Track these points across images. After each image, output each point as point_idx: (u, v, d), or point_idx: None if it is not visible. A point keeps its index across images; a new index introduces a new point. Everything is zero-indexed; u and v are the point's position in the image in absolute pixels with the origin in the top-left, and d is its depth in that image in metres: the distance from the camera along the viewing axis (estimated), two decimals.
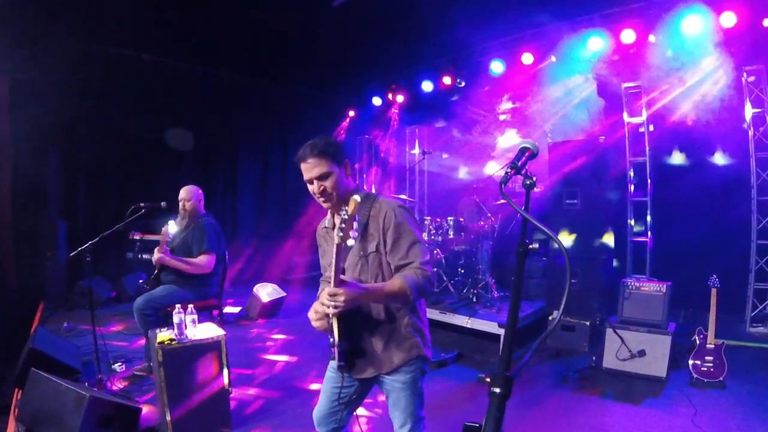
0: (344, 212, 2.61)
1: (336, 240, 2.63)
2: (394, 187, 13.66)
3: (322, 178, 3.10)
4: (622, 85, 9.02)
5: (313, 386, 6.34)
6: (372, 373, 3.24)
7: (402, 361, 3.20)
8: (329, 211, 3.34)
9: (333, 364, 3.28)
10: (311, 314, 3.13)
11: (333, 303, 2.77)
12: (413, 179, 13.76)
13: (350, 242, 2.65)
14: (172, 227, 6.51)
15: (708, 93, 8.34)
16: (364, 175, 15.05)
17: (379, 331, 3.19)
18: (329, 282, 2.83)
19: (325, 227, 3.46)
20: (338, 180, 3.14)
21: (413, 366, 3.23)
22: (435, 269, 8.98)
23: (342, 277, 2.80)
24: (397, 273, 3.12)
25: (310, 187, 3.16)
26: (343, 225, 2.60)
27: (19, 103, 9.24)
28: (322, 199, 3.16)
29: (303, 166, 3.12)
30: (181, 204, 6.61)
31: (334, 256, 2.71)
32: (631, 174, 9.02)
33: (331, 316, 2.97)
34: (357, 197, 2.64)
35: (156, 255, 6.25)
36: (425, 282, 3.04)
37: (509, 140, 11.34)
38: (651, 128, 8.93)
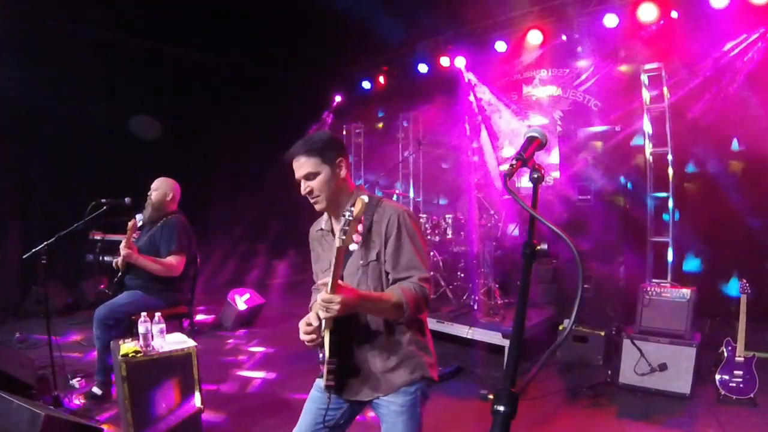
0: (349, 213, 2.61)
1: (337, 243, 2.62)
2: (385, 180, 13.66)
3: (308, 177, 3.15)
4: (641, 67, 9.01)
5: (295, 403, 6.32)
6: (368, 396, 3.20)
7: (403, 382, 3.16)
8: (325, 212, 3.35)
9: (320, 382, 3.23)
10: (302, 326, 3.11)
11: (326, 308, 2.74)
12: (407, 172, 13.74)
13: (353, 246, 2.68)
14: (140, 221, 6.48)
15: (737, 76, 8.34)
16: (352, 167, 15.05)
17: (378, 348, 3.17)
18: (324, 289, 2.79)
19: (321, 229, 3.46)
20: (326, 180, 3.16)
21: (414, 387, 3.19)
22: (432, 273, 8.97)
23: (339, 282, 2.76)
24: (394, 285, 3.10)
25: (301, 187, 3.21)
26: (347, 227, 2.60)
27: None
28: (311, 199, 3.20)
29: (294, 164, 3.19)
30: (149, 194, 6.58)
31: (333, 260, 2.68)
32: (651, 166, 9.00)
33: (323, 327, 2.96)
34: (365, 197, 2.65)
35: (123, 250, 6.17)
36: (423, 298, 3.04)
37: (516, 128, 11.36)
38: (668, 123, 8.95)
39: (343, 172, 3.25)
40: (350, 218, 2.60)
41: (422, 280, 3.07)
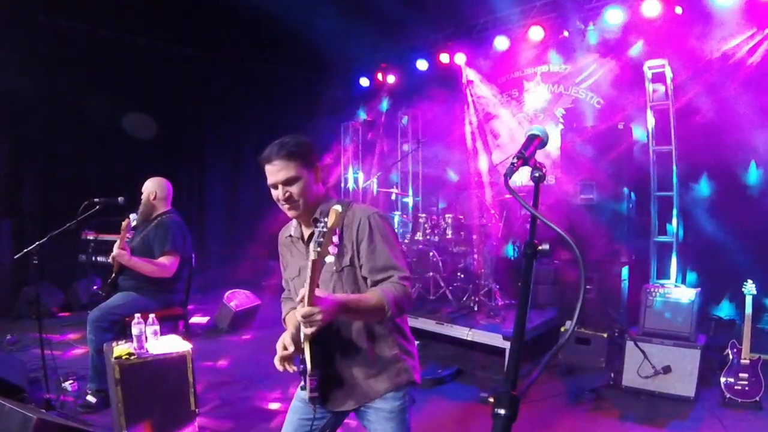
0: (323, 224, 2.56)
1: (312, 255, 2.55)
2: (384, 179, 13.62)
3: (288, 182, 3.06)
4: (644, 64, 8.99)
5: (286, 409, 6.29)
6: (353, 406, 3.18)
7: (388, 388, 3.14)
8: (295, 219, 3.30)
9: (302, 393, 3.18)
10: (279, 349, 3.10)
11: (308, 323, 2.69)
12: (406, 170, 13.69)
13: (329, 259, 2.61)
14: (134, 221, 6.46)
15: (743, 73, 8.32)
16: (350, 166, 15.02)
17: (360, 356, 3.13)
18: (301, 303, 2.71)
19: (290, 236, 3.39)
20: (306, 186, 3.10)
21: (401, 392, 3.17)
22: (431, 274, 8.97)
23: (316, 291, 2.68)
24: (374, 287, 3.07)
25: (273, 192, 3.13)
26: (322, 239, 2.54)
27: None
28: (287, 206, 3.12)
29: (267, 168, 3.09)
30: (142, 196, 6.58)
31: (309, 272, 2.60)
32: (655, 165, 8.96)
33: (303, 339, 2.92)
34: (338, 207, 2.58)
35: (115, 250, 6.16)
36: (404, 298, 3.00)
37: (516, 126, 11.36)
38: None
39: (319, 177, 3.22)
40: (325, 230, 2.54)
41: (402, 279, 3.04)
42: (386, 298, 2.90)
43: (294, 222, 3.35)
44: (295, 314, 2.76)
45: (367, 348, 3.13)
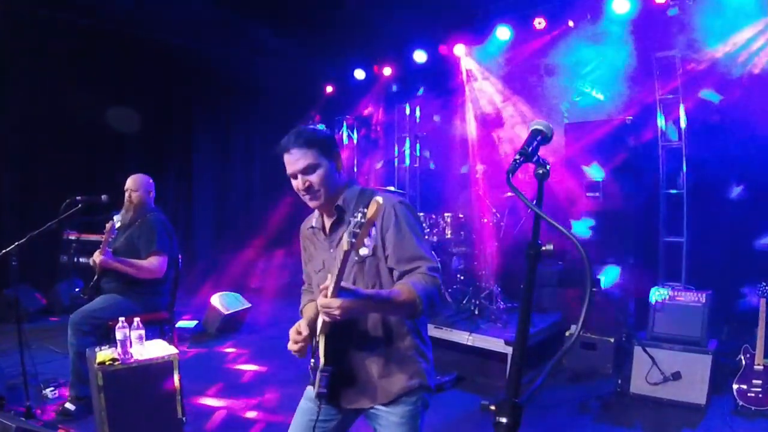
0: (361, 215, 2.46)
1: (345, 246, 2.49)
2: (382, 177, 13.60)
3: (307, 171, 3.05)
4: (653, 56, 8.98)
5: (282, 413, 6.27)
6: (364, 404, 3.17)
7: (402, 390, 3.13)
8: (316, 209, 3.29)
9: (311, 391, 3.18)
10: (292, 334, 3.10)
11: (326, 314, 2.69)
12: (404, 168, 13.66)
13: (363, 251, 2.54)
14: (118, 222, 6.44)
15: (757, 64, 8.30)
16: (345, 163, 14.98)
17: (376, 353, 3.13)
18: (323, 292, 2.71)
19: (312, 227, 3.40)
20: (327, 174, 3.09)
21: (414, 397, 3.17)
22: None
23: (342, 284, 2.67)
24: (402, 279, 3.05)
25: (294, 182, 3.12)
26: (358, 230, 2.45)
27: None
28: (308, 196, 3.12)
29: (286, 158, 3.09)
30: (126, 194, 6.55)
31: (338, 262, 2.58)
32: (664, 161, 8.95)
33: (318, 332, 2.93)
34: (380, 199, 2.48)
35: (97, 257, 6.15)
36: (435, 291, 2.98)
37: (518, 119, 11.35)
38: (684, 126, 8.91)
39: (340, 166, 3.21)
40: (363, 221, 2.45)
41: (431, 270, 3.02)
42: (417, 292, 2.87)
43: (316, 212, 3.35)
44: (317, 302, 2.75)
45: (384, 346, 3.13)
